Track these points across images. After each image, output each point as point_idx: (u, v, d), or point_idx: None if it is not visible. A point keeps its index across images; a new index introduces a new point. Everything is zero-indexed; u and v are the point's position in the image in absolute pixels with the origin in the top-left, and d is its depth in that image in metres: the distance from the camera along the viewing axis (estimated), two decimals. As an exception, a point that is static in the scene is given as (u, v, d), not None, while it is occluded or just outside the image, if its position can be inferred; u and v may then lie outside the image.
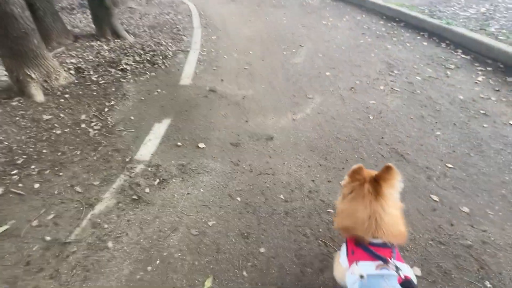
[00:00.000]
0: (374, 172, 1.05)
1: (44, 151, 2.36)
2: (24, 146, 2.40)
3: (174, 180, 2.10)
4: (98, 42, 4.67)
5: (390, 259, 0.93)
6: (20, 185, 2.05)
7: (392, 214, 0.98)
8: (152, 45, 4.65)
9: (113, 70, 3.74)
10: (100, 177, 2.13)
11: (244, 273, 1.50)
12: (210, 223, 1.77)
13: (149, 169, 2.21)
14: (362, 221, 0.98)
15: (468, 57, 3.79)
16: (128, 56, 4.21)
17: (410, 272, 0.96)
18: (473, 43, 3.89)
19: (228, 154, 2.35)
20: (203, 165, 2.24)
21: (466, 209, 1.77)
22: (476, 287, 1.39)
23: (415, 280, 0.94)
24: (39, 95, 3.01)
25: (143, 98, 3.17)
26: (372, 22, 5.36)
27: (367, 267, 0.95)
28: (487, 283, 1.39)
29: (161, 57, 4.22)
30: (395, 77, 3.44)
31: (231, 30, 5.40)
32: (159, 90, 3.33)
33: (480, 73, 3.39)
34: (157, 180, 2.09)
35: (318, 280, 1.46)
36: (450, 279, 1.42)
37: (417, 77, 3.39)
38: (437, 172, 2.07)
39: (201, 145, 2.45)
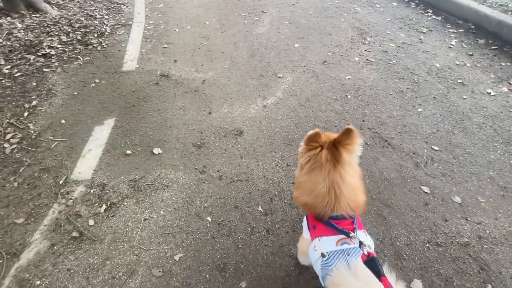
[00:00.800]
0: (333, 136, 0.94)
1: None
2: None
3: (126, 203, 1.69)
4: (9, 19, 3.66)
5: (353, 231, 0.90)
6: None
7: (351, 184, 0.91)
8: (83, 19, 3.77)
9: (32, 57, 2.94)
10: (25, 212, 1.64)
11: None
12: (176, 257, 1.43)
13: (92, 191, 1.75)
14: (322, 196, 0.90)
15: (439, 18, 3.59)
16: (52, 36, 3.36)
17: (370, 242, 0.95)
18: (443, 2, 3.67)
19: (191, 159, 1.95)
20: (161, 177, 1.83)
21: (458, 199, 1.64)
22: (478, 291, 1.29)
23: (373, 249, 0.95)
24: None
25: (76, 93, 2.53)
26: (338, -20, 4.87)
27: (329, 242, 0.92)
28: (489, 287, 1.29)
29: (95, 35, 3.43)
30: (369, 45, 3.15)
31: (180, -5, 4.59)
32: (96, 81, 2.69)
33: (452, 35, 3.23)
34: (104, 206, 1.66)
35: (312, 312, 1.25)
36: (452, 287, 1.30)
37: (391, 44, 3.13)
38: (424, 157, 1.90)
39: (156, 150, 2.01)
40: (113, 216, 1.63)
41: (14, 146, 2.02)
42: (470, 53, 2.93)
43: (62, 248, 1.48)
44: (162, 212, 1.64)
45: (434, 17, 3.62)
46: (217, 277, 1.36)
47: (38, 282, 1.35)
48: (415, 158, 1.90)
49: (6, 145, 2.02)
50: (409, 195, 1.68)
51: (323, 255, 0.91)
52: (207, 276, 1.37)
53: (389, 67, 2.79)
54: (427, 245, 1.45)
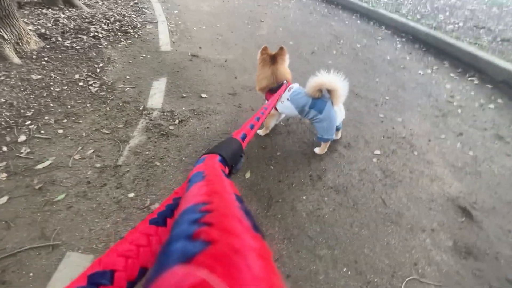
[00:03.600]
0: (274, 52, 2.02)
1: (51, 105, 2.43)
2: (25, 101, 2.41)
3: (191, 120, 2.50)
4: (51, 10, 4.35)
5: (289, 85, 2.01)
6: (42, 131, 2.15)
7: (282, 71, 2.01)
8: (115, 15, 4.57)
9: (84, 37, 3.67)
10: (121, 122, 2.37)
11: (271, 167, 2.08)
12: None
13: (165, 114, 2.53)
14: (269, 78, 1.97)
15: (389, 31, 4.98)
16: (94, 24, 4.11)
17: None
18: (391, 21, 5.10)
19: (229, 101, 2.82)
20: (211, 109, 2.67)
21: (399, 119, 2.70)
22: (415, 159, 2.28)
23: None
24: (15, 57, 2.88)
25: (130, 61, 3.31)
26: (316, 4, 6.27)
27: (284, 94, 1.97)
28: (413, 150, 2.30)
29: (130, 27, 4.25)
30: (342, 45, 4.35)
31: (190, 6, 5.60)
32: (143, 55, 3.49)
33: (398, 42, 4.58)
34: (177, 121, 2.46)
35: (320, 164, 2.14)
36: (396, 157, 2.28)
37: (357, 45, 4.37)
38: (380, 101, 2.98)
39: (204, 95, 2.85)
40: (185, 125, 2.42)
41: (97, 88, 2.74)
42: (410, 52, 4.25)
43: (156, 139, 2.24)
44: (218, 124, 2.47)
45: (386, 30, 5.01)
46: (261, 151, 2.21)
47: (147, 152, 2.10)
48: (375, 102, 2.96)
49: (91, 87, 2.73)
50: (372, 118, 2.70)
51: (287, 99, 1.98)
52: (256, 151, 2.21)
53: (357, 57, 3.97)
54: (383, 137, 2.45)
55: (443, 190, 2.02)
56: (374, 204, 1.87)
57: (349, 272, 1.49)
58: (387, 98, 3.06)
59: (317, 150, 2.22)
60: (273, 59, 2.00)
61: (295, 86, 2.06)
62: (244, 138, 0.62)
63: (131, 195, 1.78)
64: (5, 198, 1.66)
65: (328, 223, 1.73)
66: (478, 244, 1.68)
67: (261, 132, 2.36)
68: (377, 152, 2.29)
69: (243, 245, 0.20)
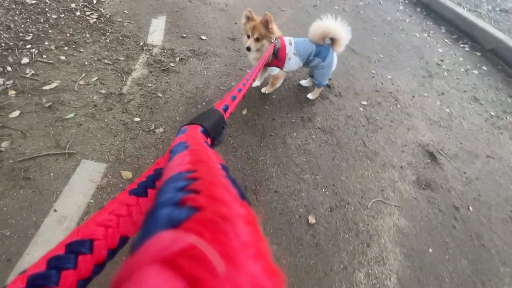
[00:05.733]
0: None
1: (50, 31, 2.40)
2: (23, 26, 2.37)
3: (191, 59, 2.56)
4: None
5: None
6: (44, 56, 2.18)
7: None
8: None
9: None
10: (123, 55, 2.41)
11: (266, 107, 2.25)
12: (233, 84, 2.38)
13: (165, 51, 2.57)
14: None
15: (394, -8, 4.88)
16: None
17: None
18: (398, -19, 4.95)
19: (229, 45, 2.86)
20: (211, 51, 2.72)
21: (389, 76, 2.87)
22: (397, 111, 2.49)
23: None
24: (4, -22, 2.72)
25: (127, -4, 3.19)
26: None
27: (288, 48, 2.00)
28: (397, 104, 2.51)
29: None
30: (345, 1, 4.28)
31: None
32: (141, -9, 3.35)
33: (401, 4, 4.53)
34: (177, 59, 2.51)
35: (312, 109, 2.33)
36: (381, 108, 2.49)
37: (360, 3, 4.31)
38: (374, 59, 3.09)
39: (203, 37, 2.86)
40: (185, 64, 2.49)
41: (95, 20, 2.69)
42: (410, 15, 4.25)
43: (157, 74, 2.32)
44: (217, 65, 2.55)
45: (390, -9, 4.91)
46: (259, 93, 2.35)
47: (150, 85, 2.20)
48: (368, 59, 3.08)
49: (89, 18, 2.68)
50: (364, 73, 2.85)
51: (290, 43, 2.00)
52: (252, 92, 2.35)
53: (358, 15, 3.96)
54: (371, 91, 2.63)
55: (417, 138, 2.28)
56: (355, 144, 2.11)
57: (327, 192, 1.77)
58: (381, 56, 3.17)
59: (310, 95, 2.38)
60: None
61: (291, 38, 2.06)
62: (226, 109, 0.61)
63: (137, 119, 1.92)
64: (17, 112, 1.77)
65: (313, 156, 1.96)
66: (437, 180, 1.99)
67: (265, 89, 2.34)
68: (364, 102, 2.48)
69: (230, 212, 0.19)
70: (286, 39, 2.03)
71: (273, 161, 1.88)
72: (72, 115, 1.85)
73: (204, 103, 2.16)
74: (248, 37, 1.94)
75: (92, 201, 1.48)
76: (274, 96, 2.36)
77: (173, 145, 0.37)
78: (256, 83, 2.41)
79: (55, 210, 1.39)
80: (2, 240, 1.27)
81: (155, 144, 1.81)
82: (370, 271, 1.47)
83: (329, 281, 1.40)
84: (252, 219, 0.21)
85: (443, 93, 2.81)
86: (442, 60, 3.33)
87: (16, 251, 1.25)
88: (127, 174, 1.62)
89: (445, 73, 3.11)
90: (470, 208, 1.86)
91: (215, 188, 0.22)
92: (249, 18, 1.93)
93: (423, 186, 1.94)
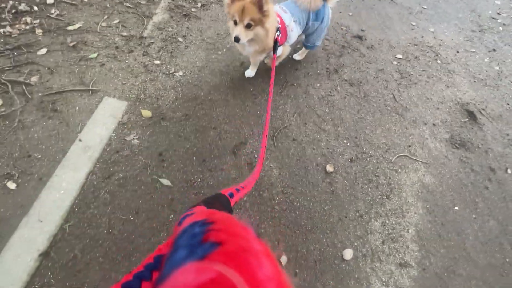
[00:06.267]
0: None
1: (73, -27, 2.36)
2: (47, -34, 2.34)
3: (213, 6, 2.42)
4: None
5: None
6: (67, -3, 2.17)
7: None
8: None
9: None
10: (144, -2, 2.33)
11: (289, 56, 2.12)
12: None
13: (187, -4, 2.45)
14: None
15: None
16: None
17: None
18: None
19: None
20: None
21: (432, 29, 2.55)
22: (437, 66, 2.24)
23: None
24: None
25: None
26: None
27: (285, 17, 1.55)
28: (437, 59, 2.25)
29: None
30: None
31: None
32: None
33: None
34: (199, 4, 2.39)
35: (339, 60, 2.15)
36: (418, 63, 2.24)
37: None
38: (415, 10, 2.74)
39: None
40: (206, 10, 2.37)
41: (117, -38, 2.59)
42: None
43: (178, 19, 2.24)
44: (240, 12, 2.40)
45: None
46: (283, 41, 2.20)
47: (170, 29, 2.13)
48: (410, 10, 2.74)
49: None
50: (402, 26, 2.55)
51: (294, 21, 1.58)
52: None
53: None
54: (409, 45, 2.36)
55: (456, 95, 2.05)
56: (384, 98, 1.95)
57: (348, 144, 1.68)
58: (424, 7, 2.80)
59: (297, 56, 2.07)
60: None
61: (281, 5, 1.63)
62: (231, 195, 0.64)
63: (157, 62, 1.90)
64: (44, 50, 1.81)
65: (337, 107, 1.85)
66: (473, 140, 1.81)
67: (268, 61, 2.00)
68: (399, 56, 2.25)
69: (251, 246, 0.20)
70: (277, 8, 1.60)
71: (294, 110, 1.80)
72: (95, 55, 1.86)
73: (225, 50, 2.07)
74: (236, 23, 1.39)
75: (114, 135, 1.53)
76: (298, 46, 2.21)
77: (182, 228, 0.33)
78: (250, 73, 1.91)
79: (80, 140, 1.46)
80: (34, 162, 1.37)
81: (174, 87, 1.79)
82: (387, 221, 1.42)
83: (343, 226, 1.38)
84: (270, 254, 0.22)
85: (494, 50, 2.46)
86: (498, 13, 2.88)
87: (46, 172, 1.34)
88: (147, 113, 1.63)
89: (500, 28, 2.70)
90: (509, 170, 1.69)
91: (233, 226, 0.24)
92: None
93: (456, 145, 1.77)
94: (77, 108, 1.59)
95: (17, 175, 1.31)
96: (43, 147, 1.42)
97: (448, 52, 2.37)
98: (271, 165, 1.54)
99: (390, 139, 1.74)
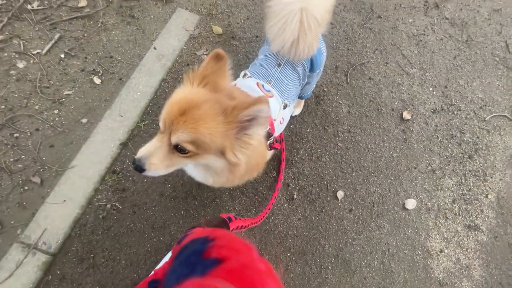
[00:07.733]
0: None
1: None
2: None
3: None
4: None
5: None
6: None
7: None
8: None
9: None
10: None
11: None
12: None
13: None
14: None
15: None
16: None
17: None
18: None
19: None
20: None
21: None
22: None
23: None
24: None
25: None
26: None
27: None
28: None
29: None
30: None
31: None
32: None
33: None
34: None
35: None
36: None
37: None
38: None
39: None
40: None
41: None
42: None
43: None
44: None
45: None
46: None
47: None
48: None
49: None
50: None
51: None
52: None
53: None
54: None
55: None
56: (493, 46, 1.59)
57: (434, 92, 1.46)
58: None
59: (296, 112, 1.39)
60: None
61: (265, 86, 0.93)
62: (230, 220, 0.65)
63: (231, -24, 1.75)
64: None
65: (428, 49, 1.57)
66: None
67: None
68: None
69: (254, 264, 0.20)
70: (255, 87, 0.91)
71: (375, 46, 1.57)
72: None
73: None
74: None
75: (185, 47, 1.52)
76: None
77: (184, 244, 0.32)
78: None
79: (154, 48, 1.49)
80: (115, 63, 1.45)
81: (246, 5, 1.66)
82: (463, 181, 1.27)
83: (410, 176, 1.27)
84: (274, 274, 0.21)
85: None
86: None
87: (125, 73, 1.42)
88: (218, 29, 1.57)
89: None
90: None
91: (235, 243, 0.23)
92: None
93: None
94: (152, 16, 1.59)
95: (101, 72, 1.41)
96: (122, 50, 1.48)
97: None
98: (340, 101, 1.42)
99: (489, 94, 1.46)
